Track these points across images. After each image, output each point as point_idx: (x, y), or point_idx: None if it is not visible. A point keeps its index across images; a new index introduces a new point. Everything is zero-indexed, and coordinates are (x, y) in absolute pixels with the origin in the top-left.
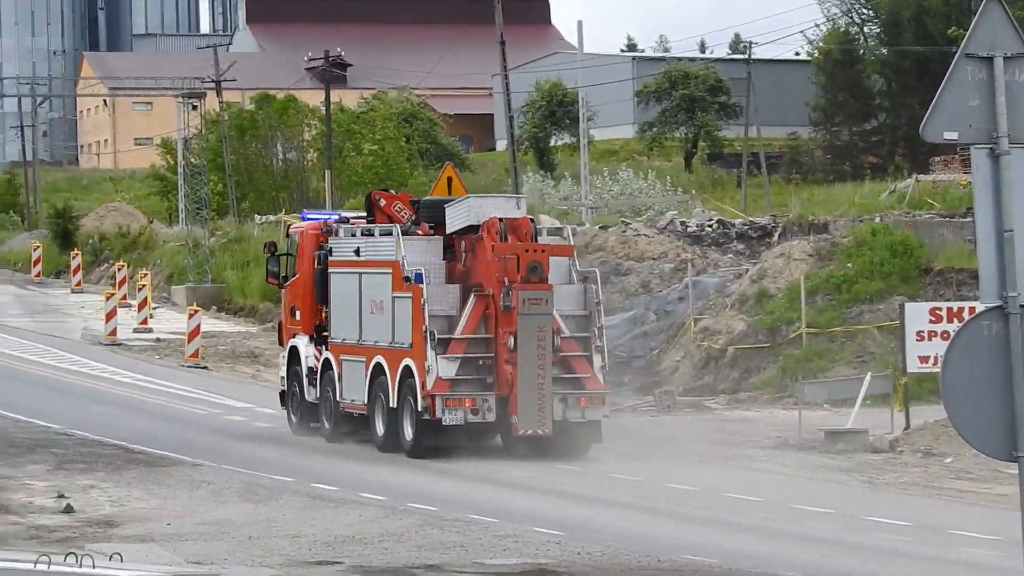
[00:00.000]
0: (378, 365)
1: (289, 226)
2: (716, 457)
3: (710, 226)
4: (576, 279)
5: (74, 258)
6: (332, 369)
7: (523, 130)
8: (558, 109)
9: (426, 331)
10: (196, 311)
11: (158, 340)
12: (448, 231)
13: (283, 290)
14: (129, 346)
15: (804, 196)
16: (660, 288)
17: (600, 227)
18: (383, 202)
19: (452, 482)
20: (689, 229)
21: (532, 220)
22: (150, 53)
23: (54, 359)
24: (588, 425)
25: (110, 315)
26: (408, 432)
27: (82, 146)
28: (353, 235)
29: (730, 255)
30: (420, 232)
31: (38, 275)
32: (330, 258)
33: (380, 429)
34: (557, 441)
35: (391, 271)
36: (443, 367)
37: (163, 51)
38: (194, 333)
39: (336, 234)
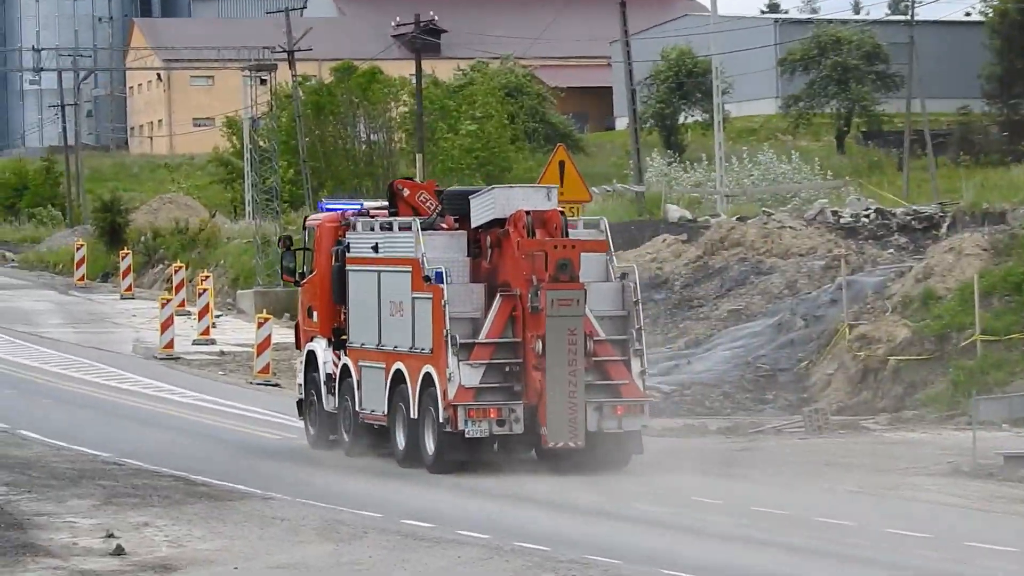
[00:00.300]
0: (398, 372)
1: (306, 218)
2: (875, 486)
3: (867, 216)
4: (613, 276)
5: (124, 258)
6: (351, 376)
7: (647, 106)
8: (687, 81)
9: (447, 335)
10: (266, 319)
11: (222, 353)
12: (473, 225)
13: (300, 288)
14: (188, 360)
15: (977, 180)
16: (808, 289)
17: (738, 218)
18: (407, 192)
19: (565, 516)
20: (842, 220)
21: (563, 213)
22: (211, 19)
23: (101, 376)
24: (626, 436)
25: (166, 324)
26: (430, 445)
27: (132, 128)
28: (372, 229)
29: (890, 250)
30: (445, 225)
31: (82, 279)
32: (348, 254)
33: (401, 442)
34: (592, 454)
35: (410, 269)
36: (466, 374)
37: (226, 17)
38: (264, 345)
39: (354, 228)
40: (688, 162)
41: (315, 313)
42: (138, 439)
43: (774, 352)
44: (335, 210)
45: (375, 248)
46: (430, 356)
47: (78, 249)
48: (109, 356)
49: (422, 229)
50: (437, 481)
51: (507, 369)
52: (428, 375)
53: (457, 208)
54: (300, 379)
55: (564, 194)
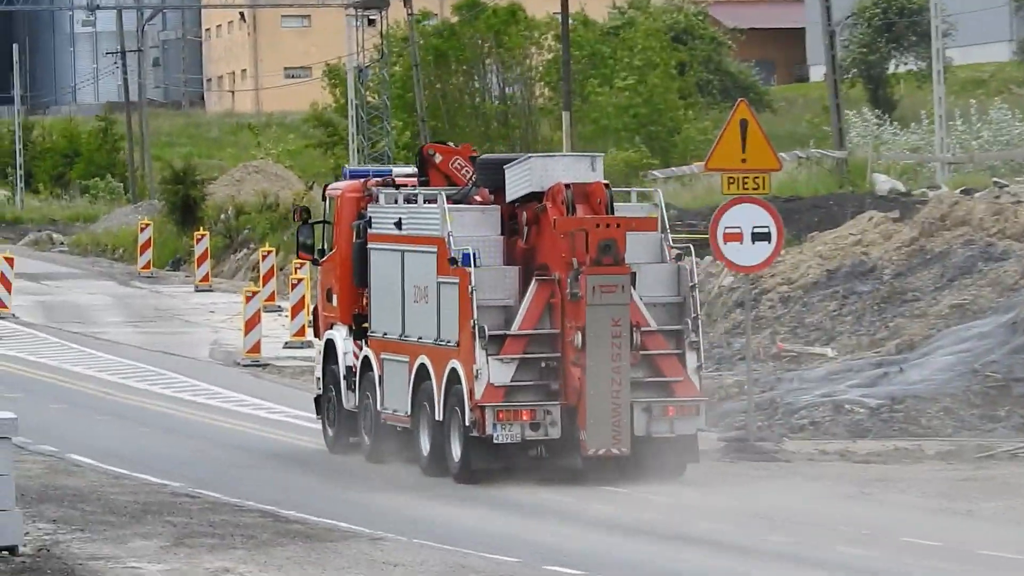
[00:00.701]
0: (422, 367)
1: (326, 186)
2: None
3: None
4: (669, 257)
5: (199, 242)
6: (372, 370)
7: (848, 52)
8: (898, 21)
9: (474, 326)
10: None
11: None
12: (508, 199)
13: (319, 268)
14: (279, 368)
15: None
16: None
17: (962, 191)
18: (439, 158)
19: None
20: None
21: (608, 186)
22: None
23: (170, 387)
24: (679, 441)
25: (251, 323)
26: (455, 451)
27: (209, 80)
28: (395, 202)
29: None
30: (478, 199)
31: (147, 266)
32: (369, 230)
33: (425, 447)
34: (638, 462)
35: (436, 249)
36: (496, 371)
37: None
38: None
39: (376, 200)
40: (900, 121)
41: (335, 297)
42: (216, 465)
43: (1007, 358)
44: (361, 177)
45: (398, 224)
46: (456, 349)
47: (143, 230)
48: (180, 362)
49: (451, 203)
50: (577, 512)
51: (543, 365)
52: (454, 371)
53: (492, 179)
54: (318, 372)
55: (747, 161)
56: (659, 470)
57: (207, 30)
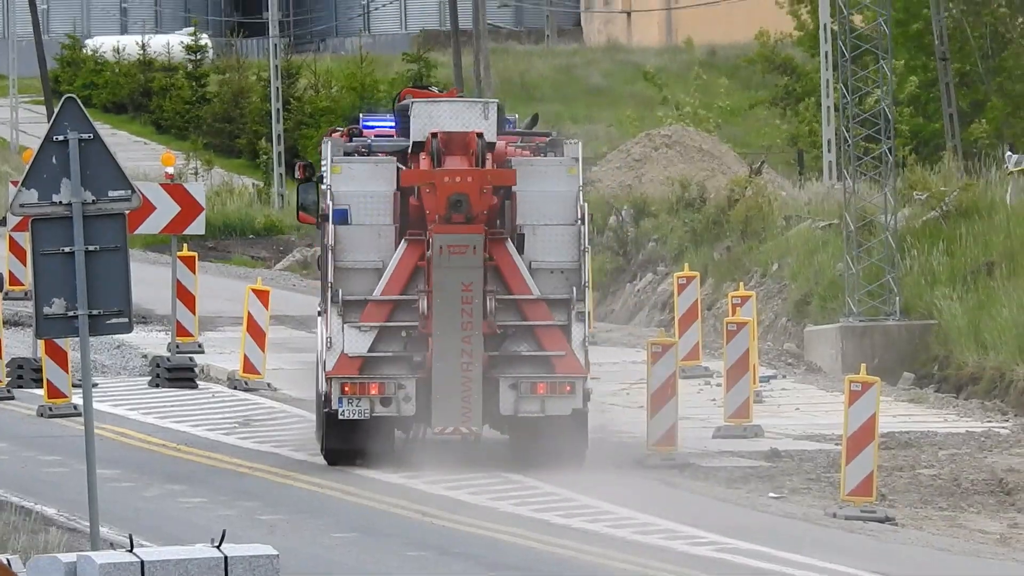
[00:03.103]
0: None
1: (326, 133)
2: None
3: None
4: (579, 218)
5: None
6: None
7: None
8: None
9: (330, 290)
10: (867, 385)
11: (774, 453)
12: (409, 149)
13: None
14: (705, 470)
15: None
16: None
17: None
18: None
19: None
20: None
21: (480, 135)
22: None
23: (526, 503)
24: (557, 422)
25: (660, 397)
26: (320, 430)
27: None
28: (348, 154)
29: None
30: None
31: None
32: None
33: (317, 425)
34: (512, 442)
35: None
36: (351, 340)
37: None
38: (861, 440)
39: (323, 153)
40: None
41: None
42: None
43: None
44: (369, 128)
45: (319, 180)
46: (324, 316)
47: None
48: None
49: (383, 155)
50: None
51: (404, 334)
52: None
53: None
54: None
55: None
56: (543, 455)
57: None
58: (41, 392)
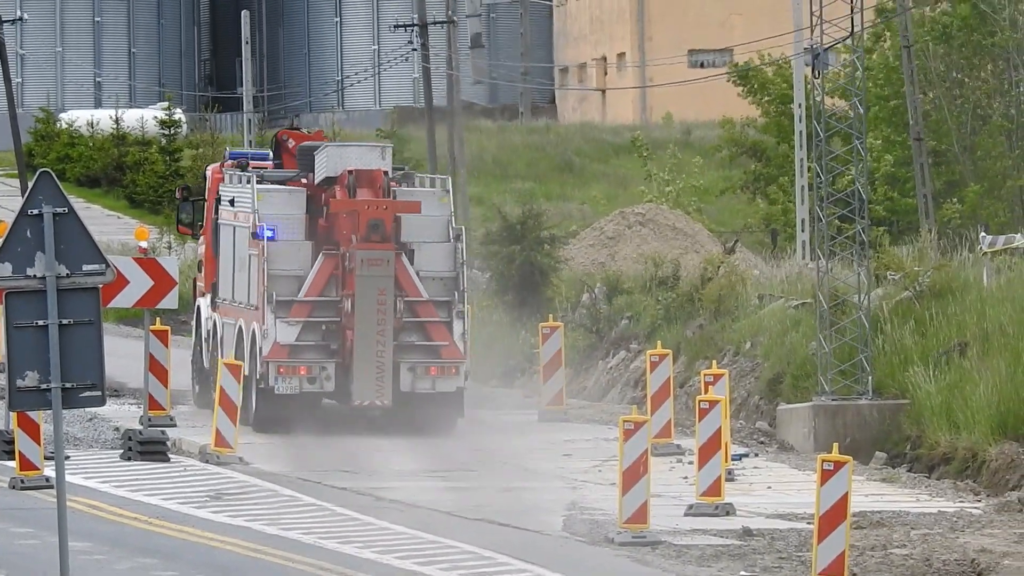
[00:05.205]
0: (241, 329)
1: (207, 166)
2: None
3: None
4: (452, 237)
5: (548, 339)
6: (218, 333)
7: None
8: None
9: (265, 292)
10: (840, 464)
11: (747, 533)
12: (315, 182)
13: (198, 242)
14: (677, 548)
15: None
16: None
17: None
18: (292, 143)
19: None
20: None
21: (386, 173)
22: None
23: None
24: (444, 397)
25: (632, 474)
26: (252, 403)
27: (564, 70)
28: (239, 181)
29: None
30: (304, 182)
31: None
32: (219, 207)
33: (247, 402)
34: (409, 415)
35: (250, 225)
36: (282, 332)
37: None
38: (832, 519)
39: (228, 180)
40: None
41: (203, 268)
42: None
43: None
44: (237, 158)
45: (232, 202)
46: (257, 313)
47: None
48: (518, 539)
49: (267, 183)
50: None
51: (324, 327)
52: (254, 332)
53: (308, 164)
54: (193, 337)
55: None
56: (429, 423)
57: None
58: (13, 464)
